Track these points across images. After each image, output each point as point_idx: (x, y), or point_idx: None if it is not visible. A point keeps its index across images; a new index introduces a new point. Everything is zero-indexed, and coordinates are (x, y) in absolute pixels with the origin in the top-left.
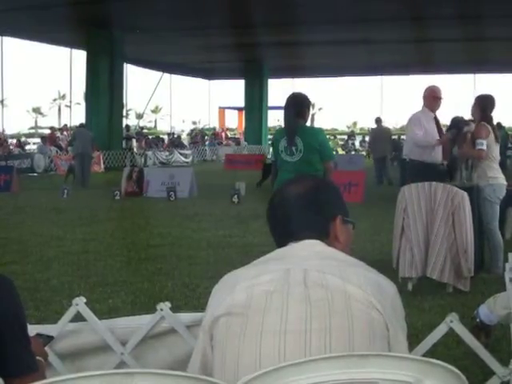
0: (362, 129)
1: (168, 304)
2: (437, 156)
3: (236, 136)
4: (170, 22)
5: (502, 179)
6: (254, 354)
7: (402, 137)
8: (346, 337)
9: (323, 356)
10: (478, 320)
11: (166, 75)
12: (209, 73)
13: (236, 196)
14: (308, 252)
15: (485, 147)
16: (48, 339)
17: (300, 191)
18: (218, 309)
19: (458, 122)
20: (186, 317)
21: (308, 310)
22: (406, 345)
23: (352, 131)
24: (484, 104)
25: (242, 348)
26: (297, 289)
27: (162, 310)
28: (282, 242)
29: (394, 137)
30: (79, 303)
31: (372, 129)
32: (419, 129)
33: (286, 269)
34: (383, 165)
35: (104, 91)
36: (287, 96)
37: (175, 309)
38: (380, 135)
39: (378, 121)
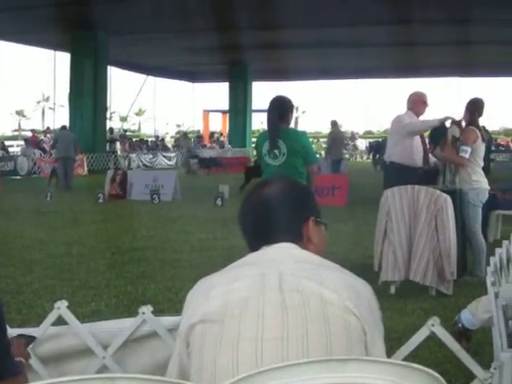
0: (346, 132)
1: (150, 307)
2: (417, 159)
3: (220, 139)
4: (154, 24)
5: (485, 183)
6: (230, 362)
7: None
8: (324, 342)
9: (303, 360)
10: (459, 324)
11: (150, 78)
12: (193, 75)
13: (220, 199)
14: (282, 255)
15: (468, 155)
16: (30, 339)
17: (272, 193)
18: (194, 316)
19: (442, 125)
20: (168, 320)
21: (284, 316)
22: (384, 348)
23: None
24: (473, 108)
25: (219, 355)
26: (272, 294)
27: (143, 313)
28: (255, 246)
29: (378, 140)
30: (61, 306)
31: (329, 132)
32: (411, 120)
33: (260, 274)
34: (338, 167)
35: (88, 94)
36: (271, 100)
37: (158, 312)
38: (336, 138)
39: (335, 124)
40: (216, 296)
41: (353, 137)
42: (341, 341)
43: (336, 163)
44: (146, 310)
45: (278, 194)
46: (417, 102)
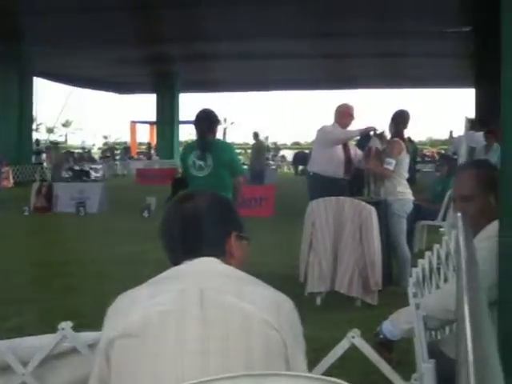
0: (274, 143)
1: (70, 323)
2: (338, 170)
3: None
4: (80, 35)
5: (409, 194)
6: (150, 377)
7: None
8: (244, 357)
9: (221, 376)
10: (381, 335)
11: (77, 89)
12: (120, 87)
13: (146, 211)
14: (204, 270)
15: (392, 167)
16: None
17: (193, 208)
18: (114, 330)
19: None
20: (89, 335)
21: (205, 331)
22: (305, 362)
23: (267, 146)
24: (398, 120)
25: (139, 371)
26: (193, 309)
27: (63, 329)
28: (176, 260)
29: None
30: None
31: (252, 144)
32: (334, 130)
33: (181, 288)
34: (261, 178)
35: (13, 105)
36: (197, 112)
37: (84, 326)
38: (258, 150)
39: (256, 136)
40: (136, 311)
41: (277, 148)
42: (261, 355)
43: (259, 174)
44: (66, 325)
45: (199, 209)
46: (343, 114)
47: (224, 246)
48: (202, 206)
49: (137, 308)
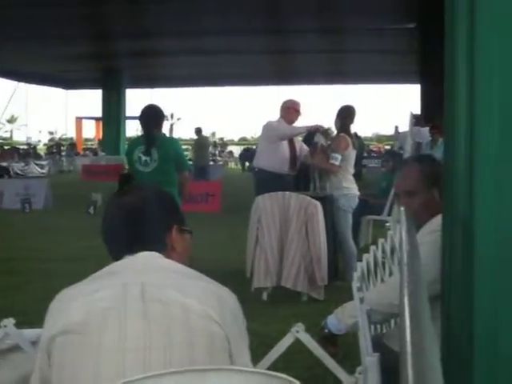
0: (220, 139)
1: (12, 320)
2: (283, 166)
3: (93, 146)
4: (25, 30)
5: (355, 189)
6: (92, 374)
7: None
8: (187, 352)
9: (164, 371)
10: (326, 330)
11: (22, 84)
12: (66, 82)
13: (92, 207)
14: (145, 265)
15: (338, 162)
16: None
17: (133, 202)
18: (54, 327)
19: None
20: (32, 332)
21: (147, 327)
22: (249, 356)
23: (214, 141)
24: (344, 115)
25: (80, 368)
26: (134, 305)
27: (5, 326)
28: (117, 255)
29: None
30: None
31: (195, 139)
32: (280, 125)
33: (122, 283)
34: (204, 174)
35: None
36: (142, 108)
37: (28, 324)
38: (201, 145)
39: (199, 131)
40: (77, 307)
41: (224, 143)
42: (204, 350)
43: (202, 170)
44: (8, 322)
45: (139, 203)
46: (289, 110)
47: (165, 239)
48: (141, 199)
49: (77, 304)
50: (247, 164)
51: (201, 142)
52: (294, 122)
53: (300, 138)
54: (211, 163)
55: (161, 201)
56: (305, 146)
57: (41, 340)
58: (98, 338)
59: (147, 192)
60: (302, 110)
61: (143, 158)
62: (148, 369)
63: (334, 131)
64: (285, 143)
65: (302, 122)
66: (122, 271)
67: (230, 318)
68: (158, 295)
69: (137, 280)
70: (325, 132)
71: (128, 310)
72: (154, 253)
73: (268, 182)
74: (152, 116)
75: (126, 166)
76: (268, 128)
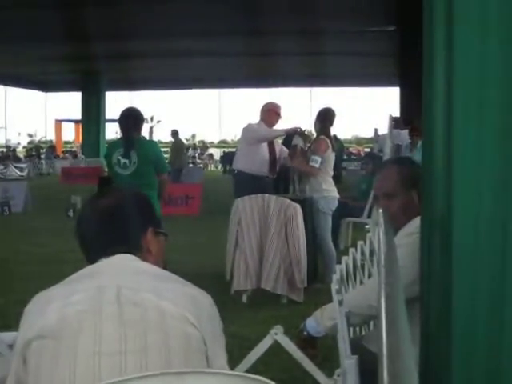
0: (200, 141)
1: None
2: (262, 168)
3: (73, 149)
4: (1, 31)
5: (334, 192)
6: (68, 378)
7: None
8: (163, 355)
9: (140, 375)
10: (305, 332)
11: (0, 87)
12: (45, 85)
13: (72, 210)
14: (120, 267)
15: (318, 164)
16: None
17: (108, 204)
18: (30, 331)
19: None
20: (9, 336)
21: (122, 330)
22: (225, 358)
23: (194, 144)
24: (324, 117)
25: (56, 372)
26: (110, 308)
27: None
28: (92, 258)
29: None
30: None
31: (172, 142)
32: (260, 128)
33: (97, 286)
34: (178, 176)
35: None
36: (121, 110)
37: (6, 327)
38: (177, 148)
39: (175, 134)
40: (52, 310)
41: (204, 146)
42: (180, 353)
43: (178, 172)
44: None
45: (114, 205)
46: (269, 113)
47: (140, 242)
48: (117, 201)
49: (53, 308)
50: (228, 167)
51: (177, 145)
52: (274, 124)
53: (279, 141)
54: (191, 165)
55: (136, 203)
56: (284, 149)
57: (16, 343)
58: (74, 342)
59: (122, 194)
60: (282, 112)
61: (122, 160)
62: (124, 372)
63: (314, 133)
64: (264, 145)
65: (282, 124)
66: (97, 274)
67: (206, 320)
68: (133, 298)
69: (112, 283)
70: (303, 134)
71: (103, 313)
72: (129, 255)
73: (247, 183)
74: (131, 119)
75: (106, 169)
76: (248, 130)
